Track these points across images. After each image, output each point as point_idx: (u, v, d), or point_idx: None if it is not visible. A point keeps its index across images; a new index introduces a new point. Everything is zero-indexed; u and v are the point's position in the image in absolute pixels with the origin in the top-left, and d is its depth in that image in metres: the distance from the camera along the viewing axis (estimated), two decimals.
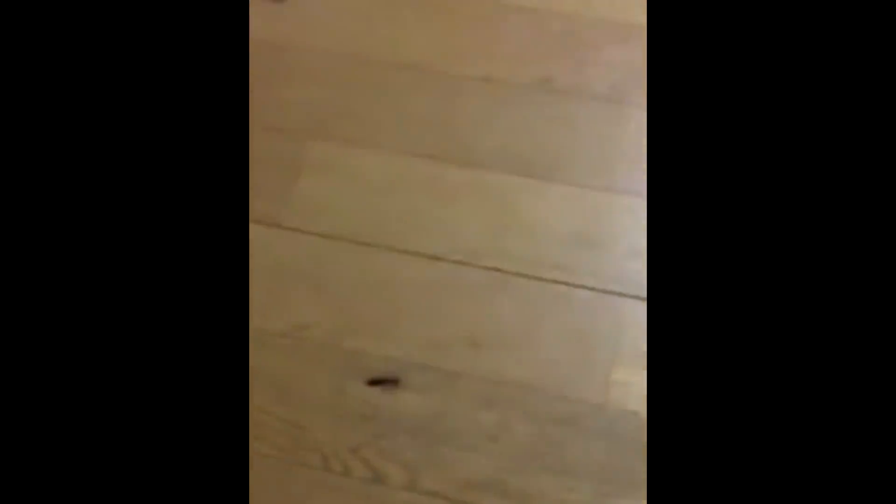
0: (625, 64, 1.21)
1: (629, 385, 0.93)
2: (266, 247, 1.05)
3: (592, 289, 1.02)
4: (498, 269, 1.03)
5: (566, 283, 1.02)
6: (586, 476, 0.88)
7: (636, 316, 0.97)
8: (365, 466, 0.90)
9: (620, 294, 1.00)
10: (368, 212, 1.08)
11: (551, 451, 0.90)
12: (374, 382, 0.95)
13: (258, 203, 1.08)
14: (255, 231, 1.06)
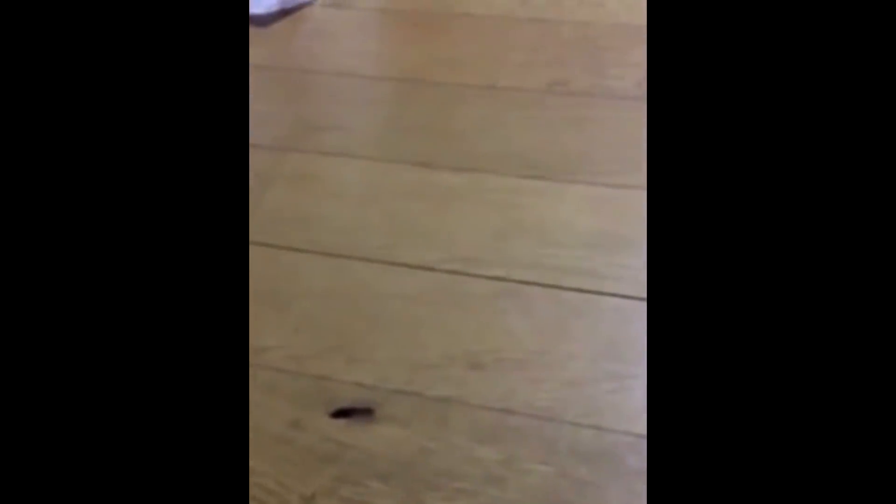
0: None
1: None
2: None
3: (623, 296, 0.80)
4: (504, 279, 0.82)
5: (590, 291, 0.80)
6: None
7: None
8: None
9: None
10: (345, 222, 0.89)
11: (577, 497, 0.65)
12: (340, 414, 0.72)
13: None
14: None
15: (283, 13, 1.21)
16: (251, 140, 1.00)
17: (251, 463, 0.69)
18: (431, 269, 0.83)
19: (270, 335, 0.79)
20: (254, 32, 1.18)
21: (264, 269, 0.85)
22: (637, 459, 0.67)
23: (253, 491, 0.68)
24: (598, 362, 0.74)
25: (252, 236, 0.88)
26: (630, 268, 0.83)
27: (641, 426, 0.69)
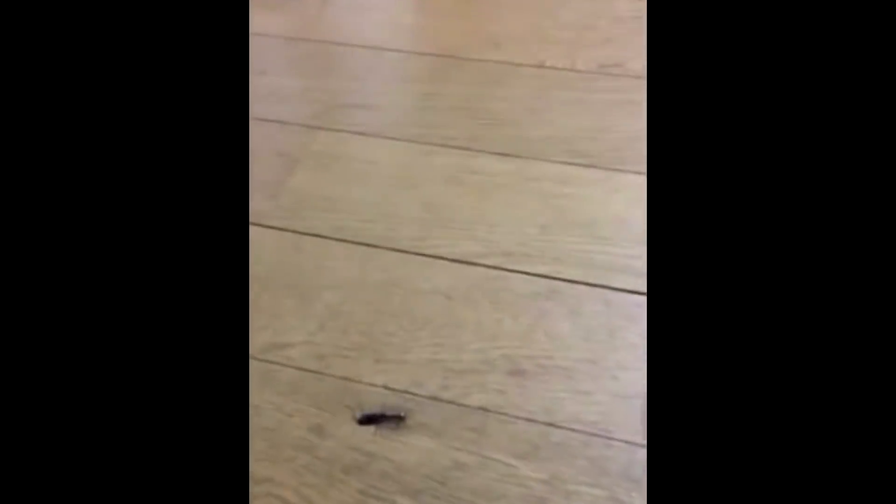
0: None
1: None
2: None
3: None
4: (549, 276, 0.75)
5: (643, 293, 0.73)
6: None
7: None
8: None
9: None
10: (376, 209, 0.83)
11: None
12: (368, 420, 0.66)
13: None
14: None
15: None
16: (279, 117, 0.94)
17: (269, 471, 0.64)
18: (470, 263, 0.77)
19: (293, 330, 0.73)
20: (285, 1, 1.11)
21: (288, 257, 0.79)
22: None
23: (271, 502, 0.62)
24: None
25: (276, 221, 0.82)
26: None
27: None
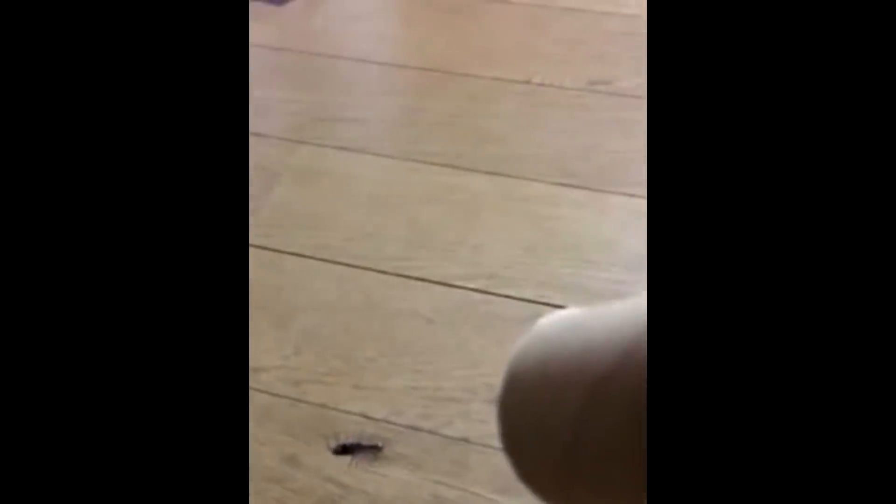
0: None
1: None
2: None
3: None
4: (534, 301, 0.73)
5: None
6: None
7: None
8: None
9: None
10: (357, 227, 0.80)
11: None
12: (344, 450, 0.63)
13: None
14: None
15: None
16: (257, 129, 0.91)
17: None
18: (453, 286, 0.74)
19: (268, 353, 0.70)
20: (267, 10, 1.09)
21: (265, 277, 0.76)
22: None
23: None
24: None
25: (253, 238, 0.79)
26: None
27: None
